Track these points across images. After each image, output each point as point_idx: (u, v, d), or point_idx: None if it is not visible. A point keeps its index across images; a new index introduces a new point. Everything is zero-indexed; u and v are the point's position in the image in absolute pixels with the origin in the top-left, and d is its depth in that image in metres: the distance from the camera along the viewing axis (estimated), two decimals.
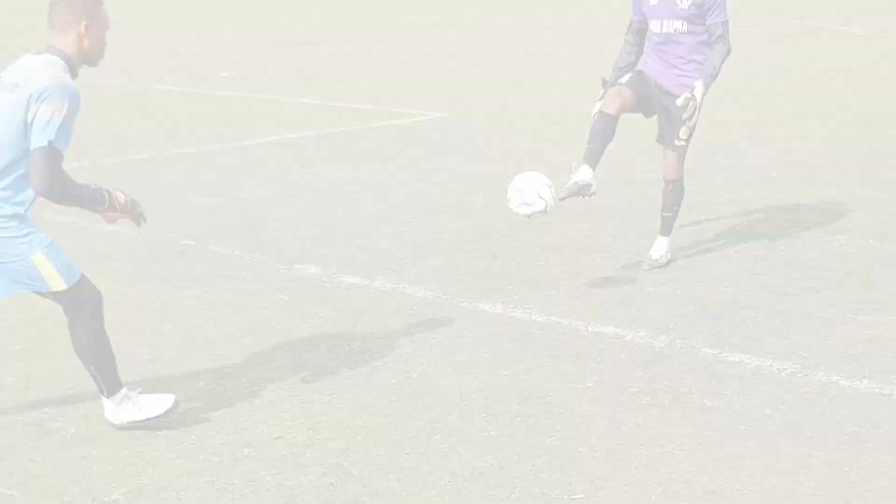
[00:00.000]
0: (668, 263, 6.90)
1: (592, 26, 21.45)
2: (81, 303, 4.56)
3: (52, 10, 4.53)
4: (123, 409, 4.65)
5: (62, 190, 4.38)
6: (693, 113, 6.55)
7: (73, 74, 4.49)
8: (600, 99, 6.69)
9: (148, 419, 4.66)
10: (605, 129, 6.56)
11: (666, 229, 6.98)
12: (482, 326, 5.90)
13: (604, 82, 6.82)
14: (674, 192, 6.96)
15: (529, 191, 6.09)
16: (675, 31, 6.66)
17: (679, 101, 6.55)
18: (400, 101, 14.05)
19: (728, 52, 6.66)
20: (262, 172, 9.90)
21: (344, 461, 4.40)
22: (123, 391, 4.67)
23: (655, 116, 6.89)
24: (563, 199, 6.40)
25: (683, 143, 6.78)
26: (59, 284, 4.49)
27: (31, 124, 4.30)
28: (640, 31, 6.86)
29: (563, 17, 26.16)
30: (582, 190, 6.39)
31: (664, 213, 6.99)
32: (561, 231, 7.73)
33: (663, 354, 5.48)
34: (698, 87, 6.54)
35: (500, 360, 5.43)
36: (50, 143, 4.27)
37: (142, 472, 4.33)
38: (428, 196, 8.88)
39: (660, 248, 6.95)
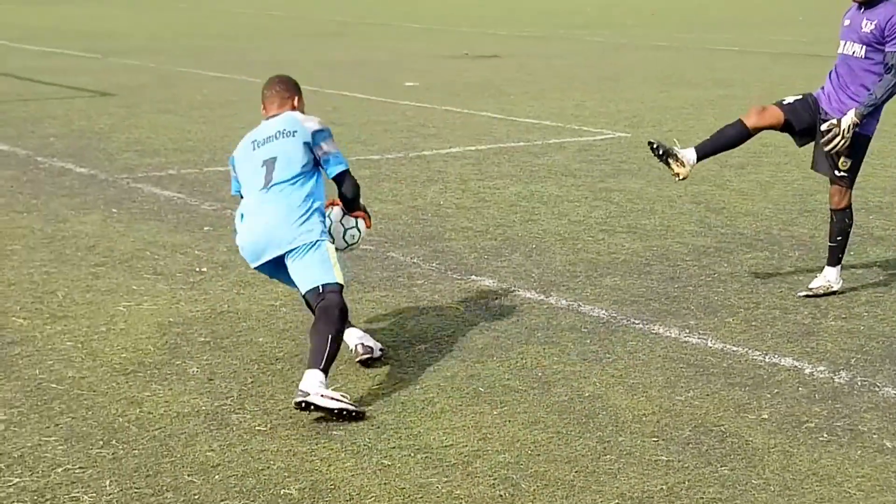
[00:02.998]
0: (826, 294, 6.76)
1: (782, 53, 20.99)
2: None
3: (269, 92, 5.66)
4: (326, 389, 4.89)
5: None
6: (833, 141, 6.43)
7: None
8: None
9: (340, 409, 4.84)
10: (733, 135, 6.63)
11: (831, 259, 6.83)
12: (657, 350, 5.85)
13: None
14: (838, 222, 6.80)
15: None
16: (854, 53, 6.53)
17: (823, 127, 6.44)
18: (582, 119, 14.04)
19: (893, 86, 6.41)
20: (442, 183, 10.04)
21: (513, 474, 4.44)
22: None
23: (812, 144, 6.77)
24: (653, 147, 6.53)
25: (844, 173, 6.65)
26: (340, 278, 5.27)
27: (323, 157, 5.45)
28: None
29: (750, 42, 25.70)
30: (668, 156, 6.48)
31: (829, 244, 6.87)
32: (741, 259, 7.60)
33: (843, 391, 5.34)
34: (848, 115, 6.43)
35: (674, 384, 5.38)
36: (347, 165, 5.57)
37: (317, 468, 4.45)
38: (606, 215, 8.86)
39: (822, 277, 6.83)
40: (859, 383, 5.43)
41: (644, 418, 4.98)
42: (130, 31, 28.58)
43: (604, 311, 6.47)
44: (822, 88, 6.74)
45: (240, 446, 4.64)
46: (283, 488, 4.28)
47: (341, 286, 5.23)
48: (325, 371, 4.94)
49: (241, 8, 38.64)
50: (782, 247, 7.93)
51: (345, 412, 4.85)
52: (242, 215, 5.40)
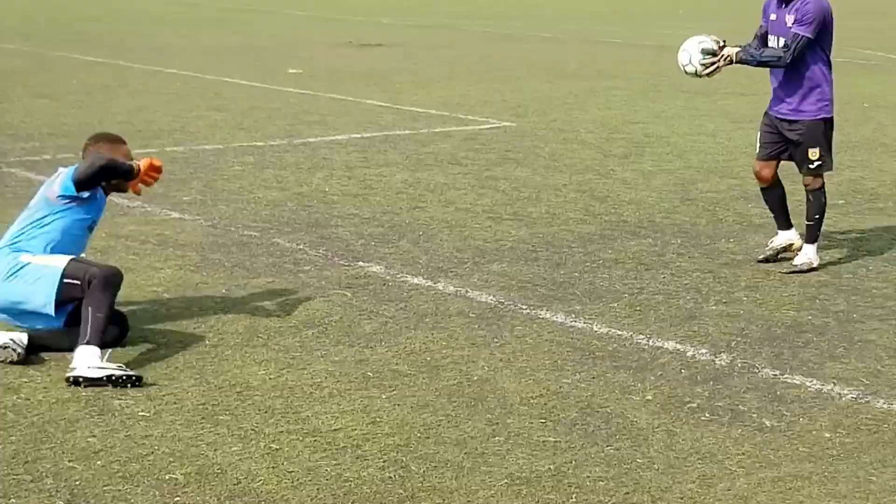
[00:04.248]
0: (809, 271, 7.09)
1: (660, 46, 21.36)
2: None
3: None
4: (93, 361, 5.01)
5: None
6: (711, 66, 6.97)
7: None
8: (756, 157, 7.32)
9: (109, 375, 4.97)
10: (772, 198, 7.34)
11: (810, 237, 7.18)
12: (544, 334, 5.91)
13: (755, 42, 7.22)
14: (815, 202, 7.18)
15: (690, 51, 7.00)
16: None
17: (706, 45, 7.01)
18: (467, 109, 14.09)
19: (780, 60, 6.88)
20: (327, 170, 9.98)
21: (402, 456, 4.43)
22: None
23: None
24: (763, 260, 7.23)
25: (819, 162, 7.06)
26: None
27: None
28: (764, 39, 7.13)
29: (632, 35, 26.12)
30: (781, 252, 7.28)
31: (806, 222, 7.20)
32: (625, 245, 7.72)
33: (723, 372, 5.46)
34: (730, 49, 6.95)
35: (560, 367, 5.44)
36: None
37: (203, 453, 4.39)
38: (492, 203, 8.90)
39: (803, 255, 7.18)
40: (739, 365, 5.56)
41: (532, 401, 5.02)
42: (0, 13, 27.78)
43: (491, 297, 6.50)
44: (771, 97, 7.15)
45: (122, 432, 4.55)
46: (169, 473, 4.21)
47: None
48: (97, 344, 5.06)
49: None
50: (665, 234, 8.07)
51: (114, 378, 4.93)
52: None
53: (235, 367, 5.30)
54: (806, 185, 7.22)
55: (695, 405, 5.04)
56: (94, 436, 4.49)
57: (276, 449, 4.47)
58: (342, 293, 6.48)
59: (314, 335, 5.77)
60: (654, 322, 6.15)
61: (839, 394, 5.23)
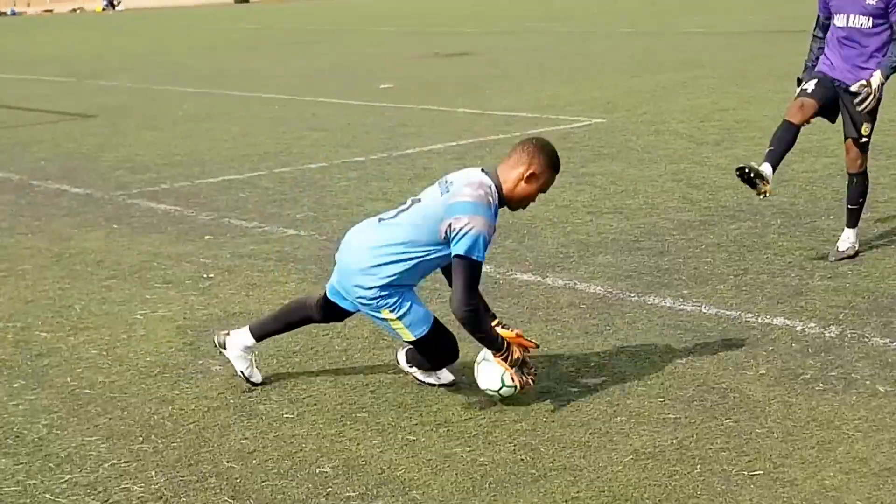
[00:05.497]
0: (856, 254, 7.12)
1: (743, 32, 21.33)
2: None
3: (516, 146, 5.09)
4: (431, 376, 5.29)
5: (472, 313, 4.89)
6: (867, 100, 6.77)
7: (496, 205, 4.98)
8: (796, 98, 6.98)
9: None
10: (786, 136, 6.86)
11: (852, 221, 7.21)
12: (654, 319, 6.14)
13: (798, 81, 7.12)
14: (858, 185, 7.18)
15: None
16: (861, 26, 6.87)
17: (853, 88, 6.79)
18: (558, 109, 14.34)
19: None
20: (429, 179, 10.28)
21: (531, 440, 4.71)
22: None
23: (840, 116, 7.09)
24: (744, 171, 6.61)
25: (866, 138, 7.01)
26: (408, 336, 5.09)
27: (450, 234, 4.88)
28: (827, 27, 7.12)
29: (713, 23, 26.03)
30: (758, 177, 6.62)
31: (849, 206, 7.22)
32: (725, 230, 7.91)
33: (834, 344, 5.64)
34: (875, 76, 6.78)
35: (674, 349, 5.67)
36: (468, 253, 4.84)
37: (347, 448, 4.71)
38: (591, 198, 9.15)
39: (846, 239, 7.18)
40: (849, 336, 5.73)
41: (649, 381, 5.26)
42: (101, 52, 28.72)
43: (599, 288, 6.75)
44: (824, 63, 7.06)
45: (271, 433, 4.90)
46: (319, 467, 4.55)
47: None
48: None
49: (211, 23, 38.75)
50: (764, 216, 8.24)
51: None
52: None
53: (366, 368, 5.63)
54: (853, 169, 7.11)
55: (808, 376, 5.24)
56: (246, 438, 4.85)
57: (413, 440, 4.77)
58: None
59: None
60: (762, 300, 6.35)
61: None
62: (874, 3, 6.83)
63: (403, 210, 5.10)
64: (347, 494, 4.30)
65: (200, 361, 5.82)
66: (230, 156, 12.11)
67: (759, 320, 6.03)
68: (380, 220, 5.17)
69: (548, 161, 5.04)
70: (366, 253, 5.04)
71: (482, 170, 5.07)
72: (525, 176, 5.00)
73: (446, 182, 5.05)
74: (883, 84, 6.84)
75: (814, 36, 7.21)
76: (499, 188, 5.00)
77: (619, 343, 5.81)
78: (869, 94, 6.79)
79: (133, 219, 9.28)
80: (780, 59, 16.96)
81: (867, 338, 5.70)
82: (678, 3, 33.63)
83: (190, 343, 6.11)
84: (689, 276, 6.88)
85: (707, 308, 6.28)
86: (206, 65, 23.65)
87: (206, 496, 4.33)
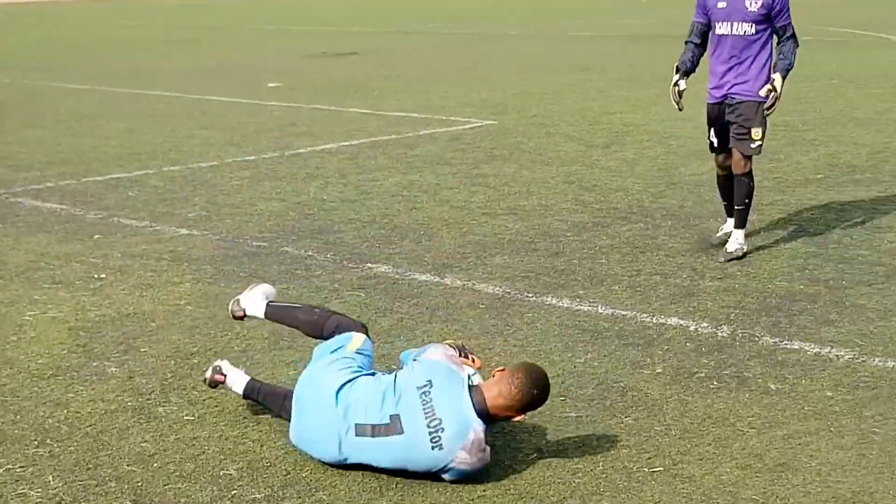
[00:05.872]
0: (744, 256, 7.28)
1: (629, 36, 21.71)
2: None
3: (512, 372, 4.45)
4: None
5: None
6: (774, 103, 7.01)
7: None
8: (674, 84, 7.32)
9: None
10: (726, 185, 7.50)
11: (740, 222, 7.38)
12: (552, 319, 6.22)
13: (677, 69, 7.35)
14: (745, 186, 7.34)
15: None
16: (745, 33, 7.06)
17: (762, 92, 7.00)
18: (449, 110, 14.40)
19: (797, 46, 7.11)
20: (322, 178, 10.27)
21: None
22: None
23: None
24: (714, 245, 7.42)
25: (759, 142, 7.20)
26: None
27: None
28: (702, 33, 7.30)
29: (601, 27, 26.43)
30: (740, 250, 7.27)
31: (736, 207, 7.40)
32: (618, 231, 8.05)
33: (726, 343, 5.78)
34: (777, 78, 7.00)
35: (572, 348, 5.75)
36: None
37: (251, 449, 4.67)
38: (486, 199, 9.22)
39: (734, 241, 7.35)
40: (740, 335, 5.89)
41: (550, 380, 5.31)
42: None
43: (498, 288, 6.81)
44: (712, 86, 7.24)
45: (172, 436, 4.83)
46: (222, 469, 4.49)
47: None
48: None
49: (84, 20, 37.97)
50: (654, 218, 8.41)
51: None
52: None
53: (266, 369, 5.58)
54: (738, 170, 7.30)
55: (702, 375, 5.36)
56: (146, 441, 4.77)
57: None
58: (356, 294, 6.78)
59: None
60: (656, 301, 6.47)
61: (836, 356, 5.57)
62: (756, 10, 7.00)
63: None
64: (253, 496, 4.26)
65: (95, 363, 5.70)
66: (117, 154, 11.89)
67: (654, 320, 6.15)
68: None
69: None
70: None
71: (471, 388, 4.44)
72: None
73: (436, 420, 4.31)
74: (782, 85, 7.04)
75: (688, 41, 7.37)
76: (484, 413, 4.36)
77: (519, 343, 5.86)
78: (777, 98, 7.01)
79: (17, 217, 9.04)
80: (664, 63, 17.32)
81: (757, 337, 5.86)
82: (564, 7, 34.08)
83: (83, 345, 5.98)
84: (584, 277, 6.99)
85: (603, 308, 6.38)
86: (86, 62, 23.15)
87: (107, 500, 4.25)
